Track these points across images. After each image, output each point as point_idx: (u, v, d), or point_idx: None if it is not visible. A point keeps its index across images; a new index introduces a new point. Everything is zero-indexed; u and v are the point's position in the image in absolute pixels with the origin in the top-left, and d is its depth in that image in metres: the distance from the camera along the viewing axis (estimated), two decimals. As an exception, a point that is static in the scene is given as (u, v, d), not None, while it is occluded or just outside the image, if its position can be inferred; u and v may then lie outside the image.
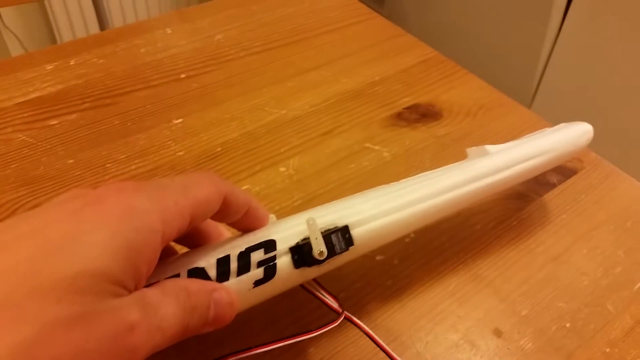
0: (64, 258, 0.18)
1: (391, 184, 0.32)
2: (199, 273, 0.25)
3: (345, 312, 0.31)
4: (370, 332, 0.31)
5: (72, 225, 0.19)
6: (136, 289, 0.20)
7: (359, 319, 0.32)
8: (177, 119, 0.48)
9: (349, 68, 0.55)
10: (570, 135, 0.38)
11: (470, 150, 0.36)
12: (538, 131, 0.39)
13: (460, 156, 0.45)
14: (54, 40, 1.48)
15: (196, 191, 0.23)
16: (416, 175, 0.33)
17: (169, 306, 0.21)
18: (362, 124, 0.48)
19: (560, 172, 0.44)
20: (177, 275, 0.24)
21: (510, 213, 0.41)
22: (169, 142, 0.45)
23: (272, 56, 0.56)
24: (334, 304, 0.31)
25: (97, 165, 0.42)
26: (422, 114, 0.50)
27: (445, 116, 0.50)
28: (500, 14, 1.37)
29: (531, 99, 1.38)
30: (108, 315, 0.18)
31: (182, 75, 0.53)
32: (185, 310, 0.21)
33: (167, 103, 0.49)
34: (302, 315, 0.33)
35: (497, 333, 0.33)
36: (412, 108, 0.50)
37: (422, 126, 0.49)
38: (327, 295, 0.31)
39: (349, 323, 0.31)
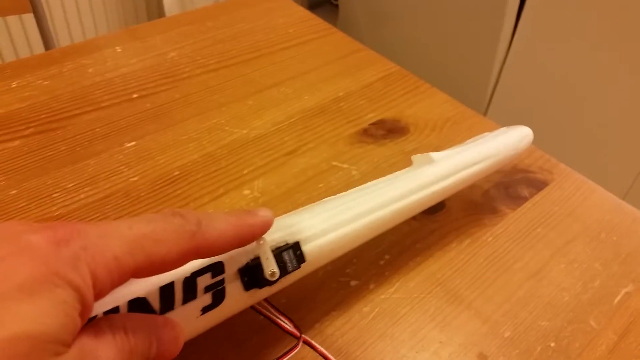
0: None
1: (339, 194, 0.31)
2: (141, 304, 0.22)
3: (303, 335, 0.29)
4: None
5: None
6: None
7: (337, 352, 0.30)
8: (129, 142, 0.44)
9: (311, 84, 0.53)
10: (511, 140, 0.38)
11: (415, 158, 0.36)
12: (479, 135, 0.39)
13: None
14: (-4, 63, 1.41)
15: (153, 248, 0.20)
16: (364, 185, 0.32)
17: (106, 350, 0.19)
18: (328, 141, 0.46)
19: (532, 184, 0.43)
20: (117, 309, 0.22)
21: (484, 229, 0.39)
22: (122, 168, 0.42)
23: (230, 73, 0.54)
24: (289, 325, 0.29)
25: (43, 195, 0.39)
26: (388, 130, 0.49)
27: (412, 131, 0.49)
28: (451, 28, 1.39)
29: (485, 109, 1.40)
30: None
31: (135, 95, 0.50)
32: (123, 353, 0.19)
33: (118, 125, 0.46)
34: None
35: (482, 357, 0.31)
36: (378, 124, 0.49)
37: (389, 142, 0.47)
38: (281, 317, 0.29)
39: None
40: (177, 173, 0.42)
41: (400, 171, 0.34)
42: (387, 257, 0.37)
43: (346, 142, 0.47)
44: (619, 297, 0.36)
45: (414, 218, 0.40)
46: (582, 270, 0.37)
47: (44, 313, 0.16)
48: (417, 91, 0.54)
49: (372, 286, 0.35)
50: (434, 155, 0.35)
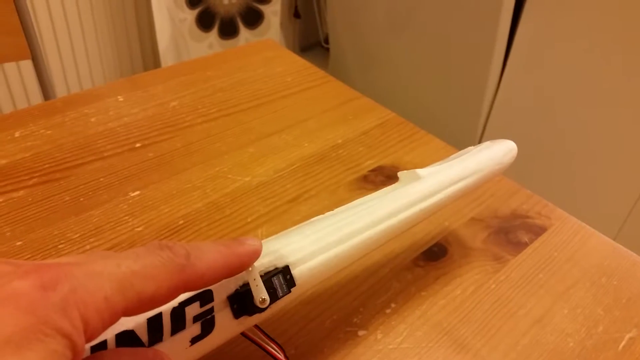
0: None
1: (327, 214, 0.31)
2: (129, 337, 0.22)
3: None
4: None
5: None
6: None
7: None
8: (133, 192, 0.45)
9: (310, 132, 0.55)
10: (496, 154, 0.39)
11: (402, 174, 0.36)
12: (464, 150, 0.40)
13: (433, 220, 0.44)
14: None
15: (143, 286, 0.19)
16: (351, 204, 0.32)
17: None
18: (328, 188, 0.47)
19: (531, 230, 0.44)
20: (104, 343, 0.21)
21: (487, 276, 0.40)
22: (126, 217, 0.42)
23: (231, 122, 0.55)
24: (280, 354, 0.29)
25: (48, 247, 0.39)
26: (387, 176, 0.49)
27: (411, 177, 0.49)
28: (440, 71, 1.43)
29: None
30: None
31: (137, 145, 0.50)
32: None
33: (122, 175, 0.47)
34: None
35: (492, 408, 0.31)
36: (377, 170, 0.50)
37: (389, 189, 0.48)
38: (271, 344, 0.29)
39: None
40: (181, 222, 0.42)
41: (388, 188, 0.35)
42: (393, 305, 0.37)
43: (346, 189, 0.47)
44: (623, 343, 0.36)
45: (417, 265, 0.40)
46: (585, 315, 0.38)
47: None
48: (413, 138, 0.55)
49: (379, 336, 0.35)
50: (420, 171, 0.35)
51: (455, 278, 0.39)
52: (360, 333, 0.35)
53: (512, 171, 0.52)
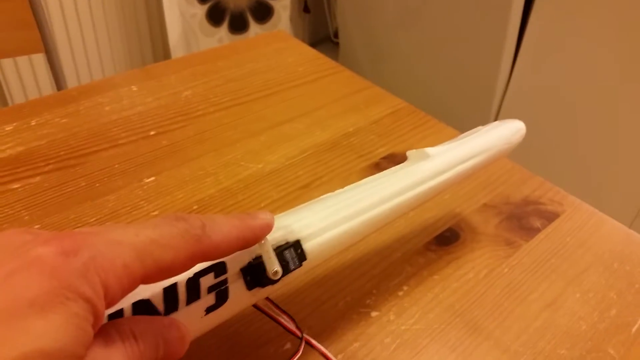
0: (6, 337, 0.16)
1: (337, 191, 0.31)
2: (145, 306, 0.22)
3: (305, 335, 0.30)
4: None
5: (7, 295, 0.16)
6: None
7: (362, 382, 0.30)
8: (148, 178, 0.45)
9: (322, 120, 0.55)
10: (504, 134, 0.39)
11: (411, 153, 0.36)
12: (472, 130, 0.40)
13: (445, 207, 0.44)
14: (5, 103, 1.43)
15: (161, 254, 0.20)
16: (361, 181, 0.33)
17: (118, 358, 0.19)
18: (340, 175, 0.47)
19: (543, 216, 0.44)
20: (121, 311, 0.22)
21: (500, 260, 0.40)
22: (142, 203, 0.43)
23: (243, 111, 0.55)
24: (290, 324, 0.29)
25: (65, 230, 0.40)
26: (399, 164, 0.49)
27: (422, 165, 0.50)
28: (450, 64, 1.42)
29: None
30: None
31: (152, 132, 0.51)
32: (133, 359, 0.19)
33: (136, 162, 0.47)
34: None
35: (504, 388, 0.32)
36: (388, 158, 0.50)
37: (400, 176, 0.48)
38: (283, 316, 0.29)
39: None
40: (195, 207, 0.43)
41: (397, 166, 0.35)
42: (405, 288, 0.37)
43: (359, 176, 0.48)
44: (636, 326, 0.36)
45: (430, 249, 0.40)
46: (598, 299, 0.38)
47: (57, 328, 0.16)
48: (425, 126, 0.55)
49: (392, 317, 0.35)
50: (429, 150, 0.35)
51: (468, 262, 0.40)
52: (373, 314, 0.35)
53: (524, 159, 0.52)
